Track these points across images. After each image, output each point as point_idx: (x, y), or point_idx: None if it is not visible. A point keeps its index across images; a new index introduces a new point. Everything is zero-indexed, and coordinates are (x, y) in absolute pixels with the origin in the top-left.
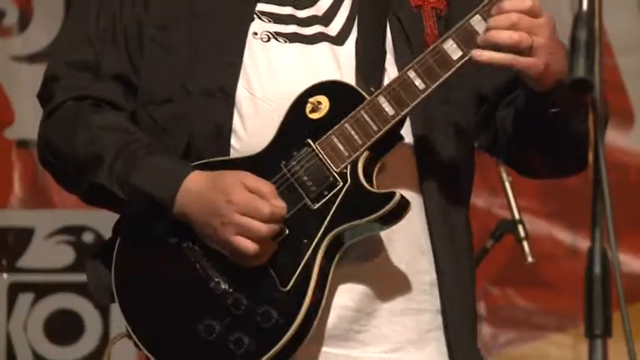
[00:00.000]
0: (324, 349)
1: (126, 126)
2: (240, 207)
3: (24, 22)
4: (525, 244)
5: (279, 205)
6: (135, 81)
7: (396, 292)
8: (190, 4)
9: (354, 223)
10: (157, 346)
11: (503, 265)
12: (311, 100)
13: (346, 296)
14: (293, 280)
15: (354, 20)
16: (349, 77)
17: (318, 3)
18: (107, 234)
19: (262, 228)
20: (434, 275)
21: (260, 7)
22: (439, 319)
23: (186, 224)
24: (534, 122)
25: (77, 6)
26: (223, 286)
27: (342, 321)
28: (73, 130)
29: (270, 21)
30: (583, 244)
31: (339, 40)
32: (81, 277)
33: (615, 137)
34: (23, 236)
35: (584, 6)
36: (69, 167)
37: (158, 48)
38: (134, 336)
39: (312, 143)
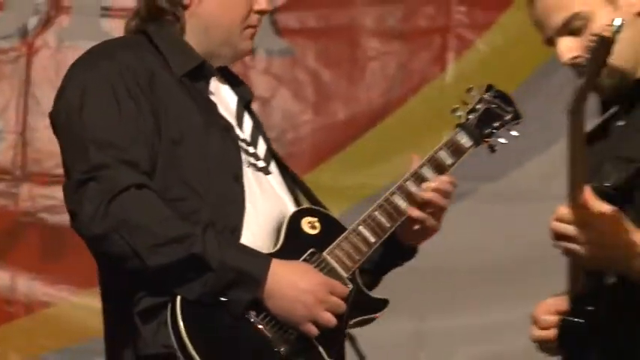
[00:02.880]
0: None
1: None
2: (334, 289)
3: None
4: None
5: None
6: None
7: None
8: (195, 124)
9: (365, 317)
10: None
11: None
12: (307, 219)
13: None
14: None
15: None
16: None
17: (258, 143)
18: None
19: (342, 306)
20: None
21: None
22: None
23: (256, 300)
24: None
25: (123, 100)
26: (286, 351)
27: None
28: (154, 211)
29: (242, 149)
30: None
31: (267, 170)
32: None
33: None
34: None
35: None
36: (150, 240)
37: (171, 157)
38: None
39: (318, 253)
